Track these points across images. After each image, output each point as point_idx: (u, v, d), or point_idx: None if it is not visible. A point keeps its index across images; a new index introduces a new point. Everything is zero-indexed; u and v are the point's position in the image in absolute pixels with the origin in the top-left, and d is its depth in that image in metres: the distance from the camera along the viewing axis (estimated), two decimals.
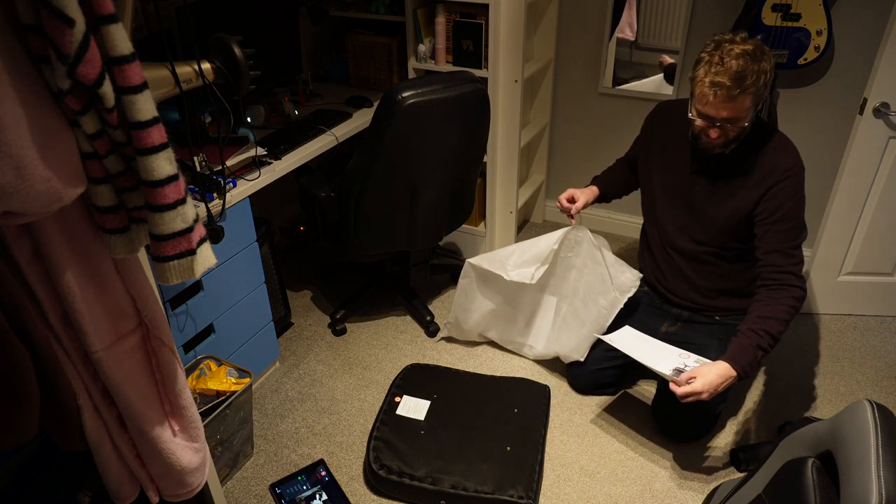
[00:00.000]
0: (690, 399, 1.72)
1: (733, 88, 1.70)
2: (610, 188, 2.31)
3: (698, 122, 1.82)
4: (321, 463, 2.02)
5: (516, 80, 2.61)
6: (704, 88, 1.74)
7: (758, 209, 1.86)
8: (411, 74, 2.75)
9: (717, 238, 1.97)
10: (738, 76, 1.69)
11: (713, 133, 1.81)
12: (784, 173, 1.82)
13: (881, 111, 2.26)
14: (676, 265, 2.08)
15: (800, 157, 1.85)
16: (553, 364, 2.42)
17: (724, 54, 1.71)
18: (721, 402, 2.08)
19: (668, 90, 2.82)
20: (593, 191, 2.28)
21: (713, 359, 2.06)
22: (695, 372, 1.74)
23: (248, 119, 2.45)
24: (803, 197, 1.85)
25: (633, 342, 2.01)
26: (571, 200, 2.21)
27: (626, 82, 2.91)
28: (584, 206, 2.21)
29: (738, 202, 1.89)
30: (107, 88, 0.89)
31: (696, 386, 1.70)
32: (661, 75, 2.81)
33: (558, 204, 2.22)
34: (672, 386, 1.74)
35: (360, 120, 2.54)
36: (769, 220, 1.84)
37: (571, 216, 2.21)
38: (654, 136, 2.09)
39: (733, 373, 1.73)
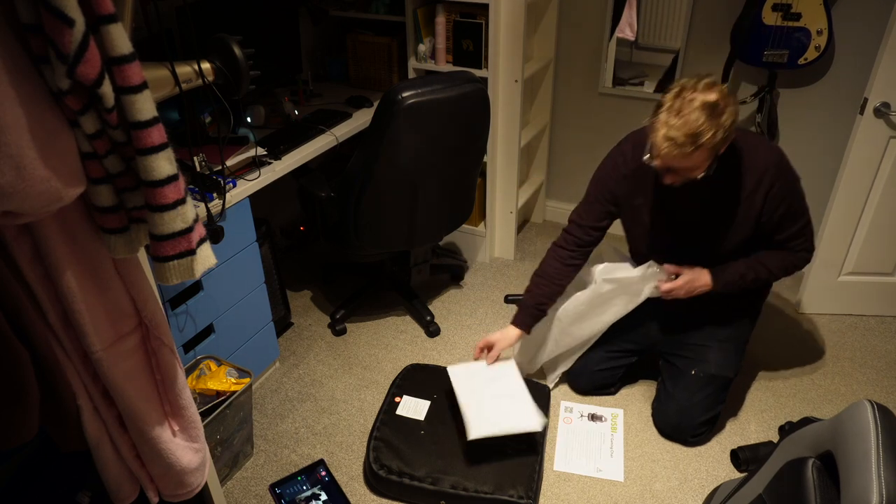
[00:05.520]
0: (671, 294, 1.96)
1: (686, 146, 1.61)
2: (546, 305, 2.10)
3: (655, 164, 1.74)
4: (321, 463, 2.02)
5: (516, 80, 2.61)
6: (658, 139, 1.64)
7: (763, 218, 1.86)
8: (411, 74, 2.75)
9: (726, 256, 1.96)
10: (693, 135, 1.59)
11: (667, 178, 1.75)
12: (773, 176, 1.80)
13: (881, 111, 2.26)
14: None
15: (775, 147, 1.83)
16: None
17: (685, 104, 1.61)
18: (720, 403, 2.08)
19: None
20: (514, 336, 2.08)
21: (712, 360, 2.04)
22: (682, 270, 1.95)
23: (248, 119, 2.44)
24: (797, 181, 1.85)
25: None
26: (488, 348, 2.10)
27: (626, 82, 2.91)
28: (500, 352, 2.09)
29: (740, 219, 1.87)
30: (106, 88, 0.89)
31: (679, 282, 1.94)
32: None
33: (476, 352, 2.12)
34: (663, 287, 1.97)
35: (360, 120, 2.54)
36: (778, 222, 1.86)
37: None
38: (624, 192, 1.98)
39: (711, 284, 1.94)
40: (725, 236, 1.92)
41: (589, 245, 2.06)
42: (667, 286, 1.95)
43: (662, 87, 2.84)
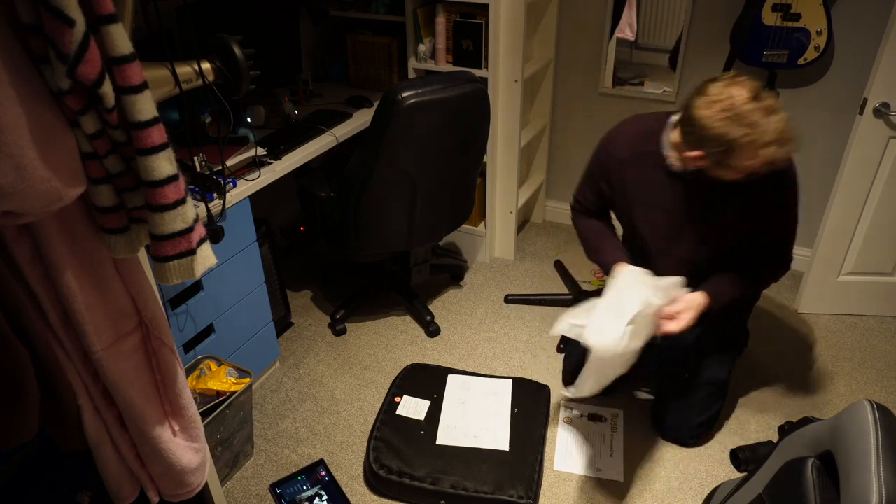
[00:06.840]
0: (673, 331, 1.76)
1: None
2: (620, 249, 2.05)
3: (729, 174, 1.64)
4: (321, 463, 2.02)
5: (516, 80, 2.61)
6: (773, 137, 1.54)
7: (758, 223, 1.80)
8: (411, 74, 2.75)
9: (723, 257, 1.90)
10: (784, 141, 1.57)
11: (730, 174, 1.65)
12: (778, 183, 1.73)
13: (881, 111, 2.26)
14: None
15: (791, 161, 1.76)
16: (553, 364, 2.42)
17: (767, 107, 1.55)
18: (717, 404, 2.08)
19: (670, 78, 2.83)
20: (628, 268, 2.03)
21: (705, 364, 2.01)
22: (680, 304, 1.77)
23: (248, 119, 2.44)
24: (798, 201, 1.81)
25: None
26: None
27: (626, 82, 2.91)
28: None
29: (737, 219, 1.81)
30: (107, 88, 0.89)
31: (683, 324, 1.75)
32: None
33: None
34: (666, 327, 1.76)
35: (360, 120, 2.54)
36: (765, 229, 1.81)
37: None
38: (618, 175, 1.92)
39: (708, 305, 1.81)
40: (723, 243, 1.86)
41: (599, 212, 2.06)
42: (670, 324, 1.76)
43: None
